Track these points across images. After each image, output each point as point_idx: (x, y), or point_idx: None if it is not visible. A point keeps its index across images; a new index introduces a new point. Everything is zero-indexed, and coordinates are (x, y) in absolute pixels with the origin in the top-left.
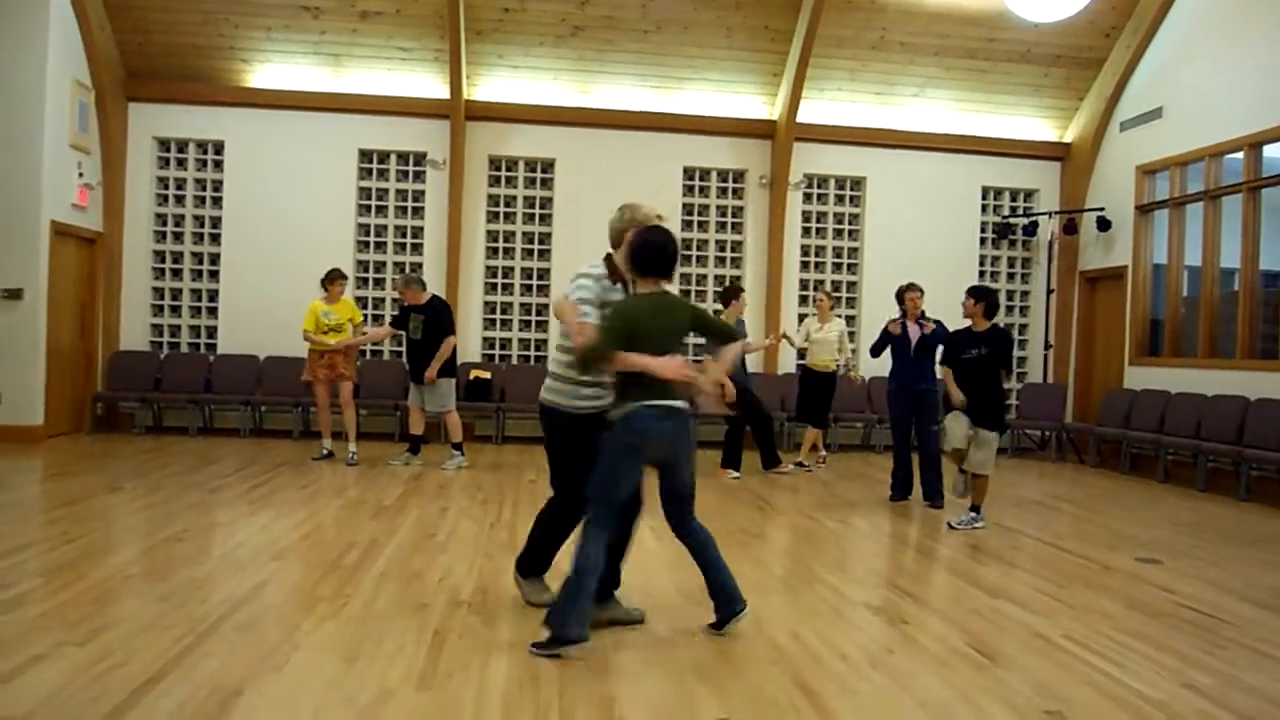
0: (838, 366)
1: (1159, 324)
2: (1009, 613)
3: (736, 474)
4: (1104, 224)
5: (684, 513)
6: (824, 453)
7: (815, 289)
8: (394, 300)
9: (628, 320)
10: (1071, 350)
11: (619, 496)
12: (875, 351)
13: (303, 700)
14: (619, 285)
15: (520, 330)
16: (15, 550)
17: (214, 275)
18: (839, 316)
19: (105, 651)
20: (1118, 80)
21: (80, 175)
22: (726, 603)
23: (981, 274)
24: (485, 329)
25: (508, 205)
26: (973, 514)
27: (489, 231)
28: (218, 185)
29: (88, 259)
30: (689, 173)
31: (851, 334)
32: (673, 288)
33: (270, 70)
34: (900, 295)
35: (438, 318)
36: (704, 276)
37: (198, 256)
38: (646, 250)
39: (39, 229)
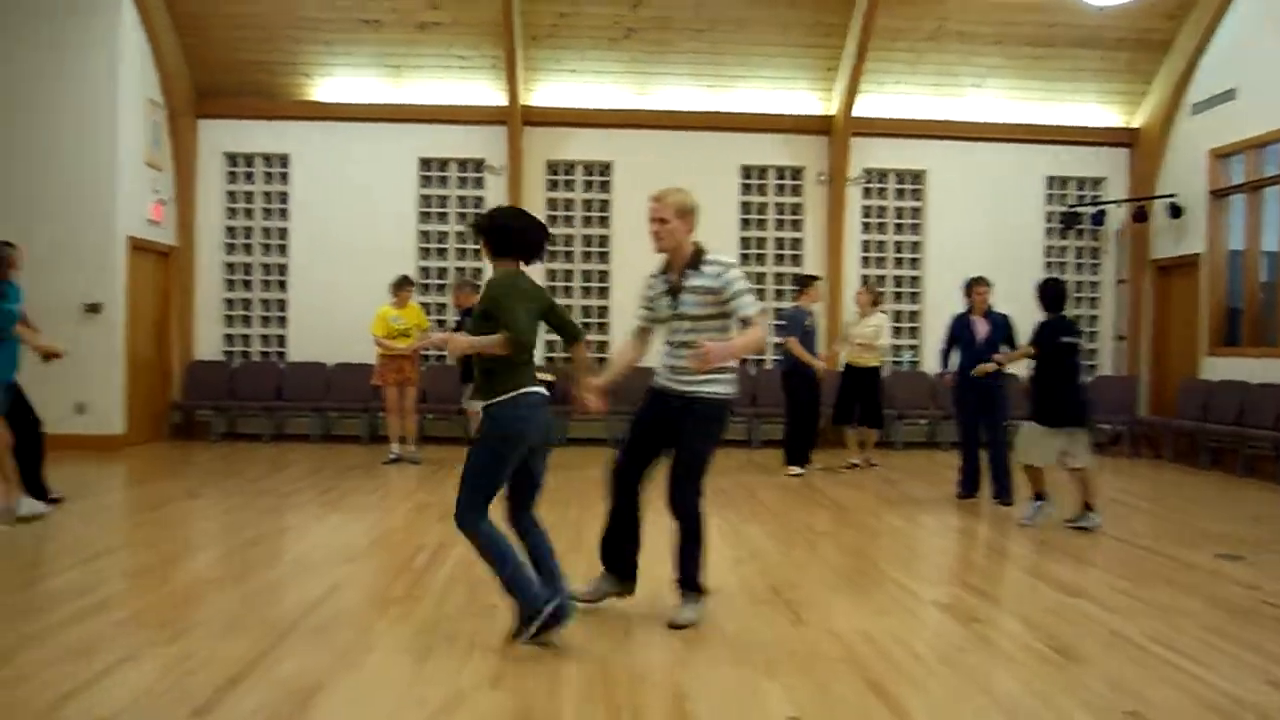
0: (881, 363)
1: (1236, 312)
2: (1085, 611)
3: (799, 470)
4: (1176, 211)
5: (534, 502)
6: (865, 458)
7: (877, 285)
8: (455, 306)
9: (531, 299)
10: (1144, 342)
11: (498, 488)
12: (944, 356)
13: (379, 700)
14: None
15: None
16: (101, 554)
17: (282, 285)
18: (883, 311)
19: (189, 652)
20: (1187, 62)
21: (155, 192)
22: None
23: (1048, 265)
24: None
25: (566, 209)
26: (1038, 502)
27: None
28: (284, 197)
29: (163, 272)
30: (746, 171)
31: (914, 329)
32: (714, 282)
33: (332, 83)
34: (968, 289)
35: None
36: (763, 275)
37: (266, 267)
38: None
39: (116, 245)
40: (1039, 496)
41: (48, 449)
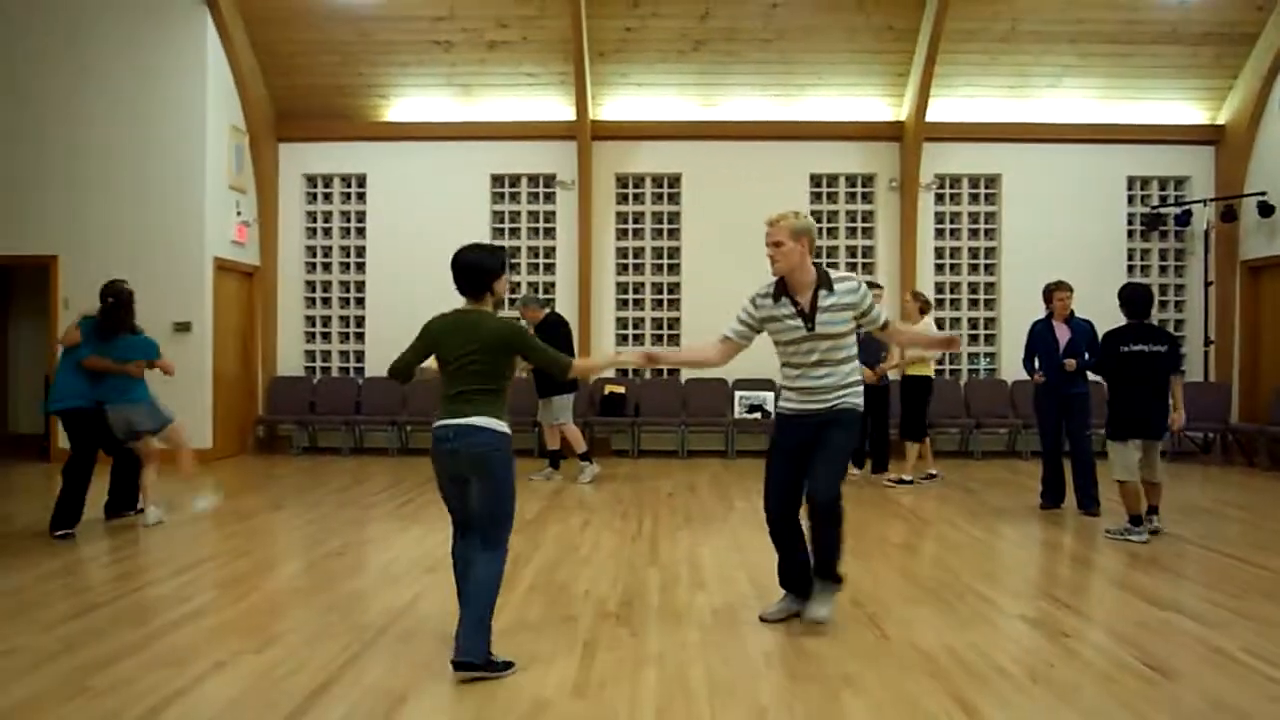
0: (929, 374)
1: None
2: (1179, 625)
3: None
4: (1266, 209)
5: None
6: (917, 474)
7: (952, 291)
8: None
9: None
10: (1235, 346)
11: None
12: (1027, 365)
13: (463, 708)
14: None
15: (652, 344)
16: (193, 566)
17: (360, 302)
18: (932, 319)
19: (279, 660)
20: (1275, 55)
21: (239, 214)
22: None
23: (1130, 269)
24: (618, 343)
25: (636, 221)
26: (1135, 526)
27: (619, 248)
28: (361, 216)
29: (246, 291)
30: (816, 180)
31: (990, 336)
32: (852, 298)
33: (406, 103)
34: (1048, 294)
35: (551, 331)
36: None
37: (345, 285)
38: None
39: (203, 265)
40: (1134, 519)
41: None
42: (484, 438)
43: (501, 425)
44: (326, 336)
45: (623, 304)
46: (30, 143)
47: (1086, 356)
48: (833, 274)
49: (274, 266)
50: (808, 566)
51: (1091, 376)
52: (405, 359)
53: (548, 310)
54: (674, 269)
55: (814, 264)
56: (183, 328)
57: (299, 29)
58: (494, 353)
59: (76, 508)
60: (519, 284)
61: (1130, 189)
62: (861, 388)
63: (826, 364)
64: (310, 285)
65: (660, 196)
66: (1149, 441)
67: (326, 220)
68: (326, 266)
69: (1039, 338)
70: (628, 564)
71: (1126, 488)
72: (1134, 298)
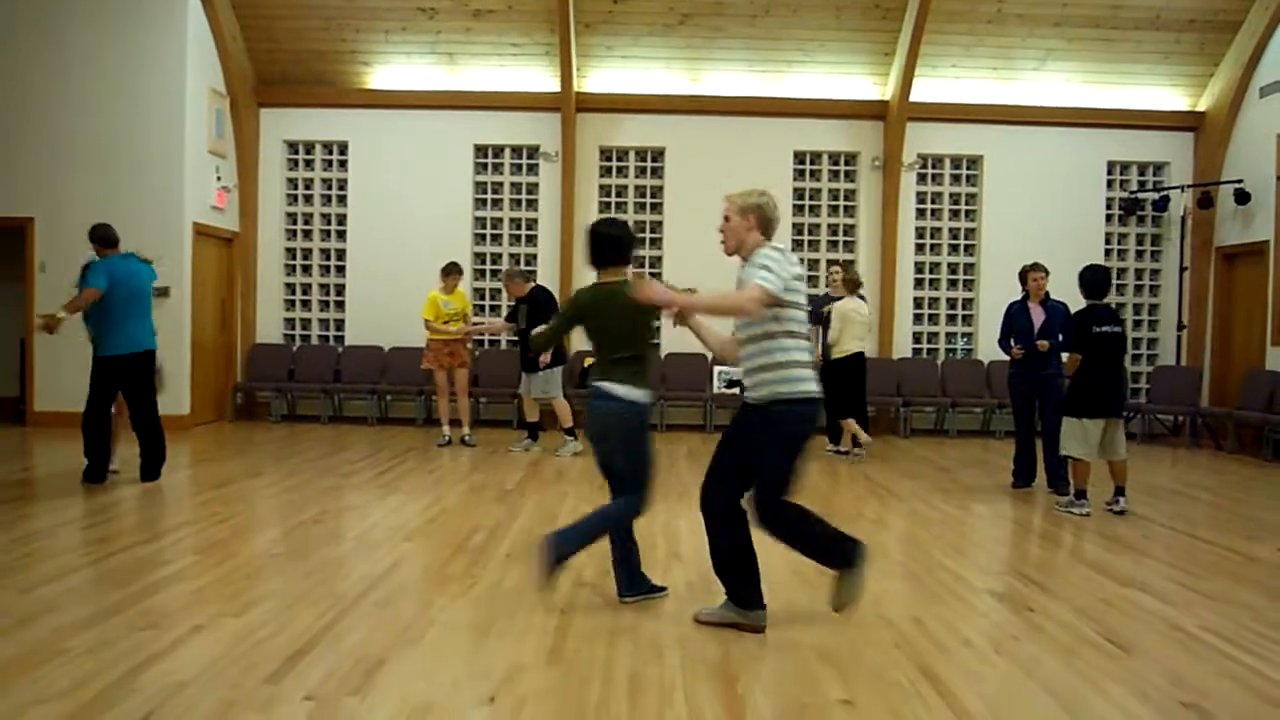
0: (848, 352)
1: None
2: (1142, 603)
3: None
4: (1243, 196)
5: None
6: (856, 448)
7: (931, 271)
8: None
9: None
10: (1207, 330)
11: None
12: (1004, 345)
13: (441, 672)
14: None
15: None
16: (172, 530)
17: (340, 270)
18: (860, 297)
19: (259, 623)
20: (1256, 43)
21: (218, 179)
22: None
23: (1108, 252)
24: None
25: (619, 195)
26: (1079, 499)
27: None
28: (343, 184)
29: (226, 258)
30: (799, 157)
31: (969, 316)
32: (761, 274)
33: (389, 71)
34: (1023, 276)
35: (539, 307)
36: (816, 261)
37: (325, 253)
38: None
39: (182, 231)
40: (1079, 494)
41: (119, 428)
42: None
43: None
44: (306, 304)
45: None
46: (7, 104)
47: (1060, 338)
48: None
49: (254, 233)
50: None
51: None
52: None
53: (532, 284)
54: (655, 243)
55: (759, 242)
56: (161, 293)
57: None
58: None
59: (106, 458)
60: (500, 255)
61: (1110, 173)
62: (805, 372)
63: (744, 341)
64: (290, 252)
65: (644, 170)
66: (1113, 420)
67: (308, 187)
68: (307, 234)
69: (1015, 318)
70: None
71: (1079, 464)
72: (1095, 280)
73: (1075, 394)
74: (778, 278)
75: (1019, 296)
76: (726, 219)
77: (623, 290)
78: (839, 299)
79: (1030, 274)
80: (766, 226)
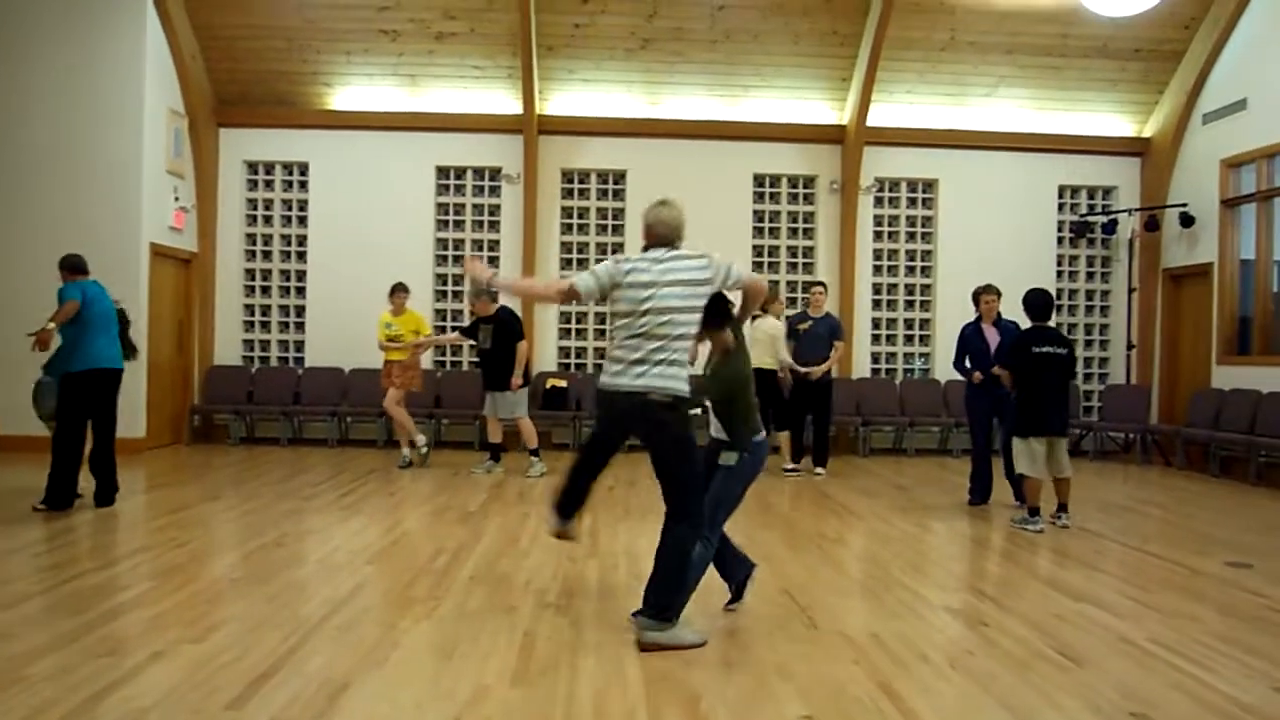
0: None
1: (1248, 321)
2: (1093, 616)
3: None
4: (1187, 220)
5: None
6: (793, 464)
7: (889, 293)
8: (471, 314)
9: None
10: (1155, 350)
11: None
12: (959, 366)
13: (405, 695)
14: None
15: (596, 339)
16: (129, 555)
17: (300, 291)
18: (782, 317)
19: (220, 648)
20: (1199, 72)
21: (176, 199)
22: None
23: (1059, 274)
24: (560, 339)
25: (581, 217)
26: (1033, 517)
27: (563, 243)
28: (303, 205)
29: (184, 279)
30: (759, 180)
31: (925, 337)
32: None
33: (351, 92)
34: (976, 298)
35: (506, 327)
36: (775, 282)
37: (285, 274)
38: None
39: (139, 251)
40: (1033, 511)
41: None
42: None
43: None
44: (266, 325)
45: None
46: None
47: (966, 363)
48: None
49: (212, 254)
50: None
51: None
52: None
53: (498, 305)
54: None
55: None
56: None
57: (242, 13)
58: None
59: (74, 482)
60: (462, 276)
61: (1061, 197)
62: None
63: None
64: (250, 274)
65: (605, 193)
66: (1055, 438)
67: (268, 208)
68: (267, 255)
69: (969, 340)
70: (568, 556)
71: (1030, 482)
72: (1037, 302)
73: (1020, 414)
74: (594, 278)
75: (972, 319)
76: None
77: None
78: (819, 318)
79: (982, 296)
80: (649, 234)
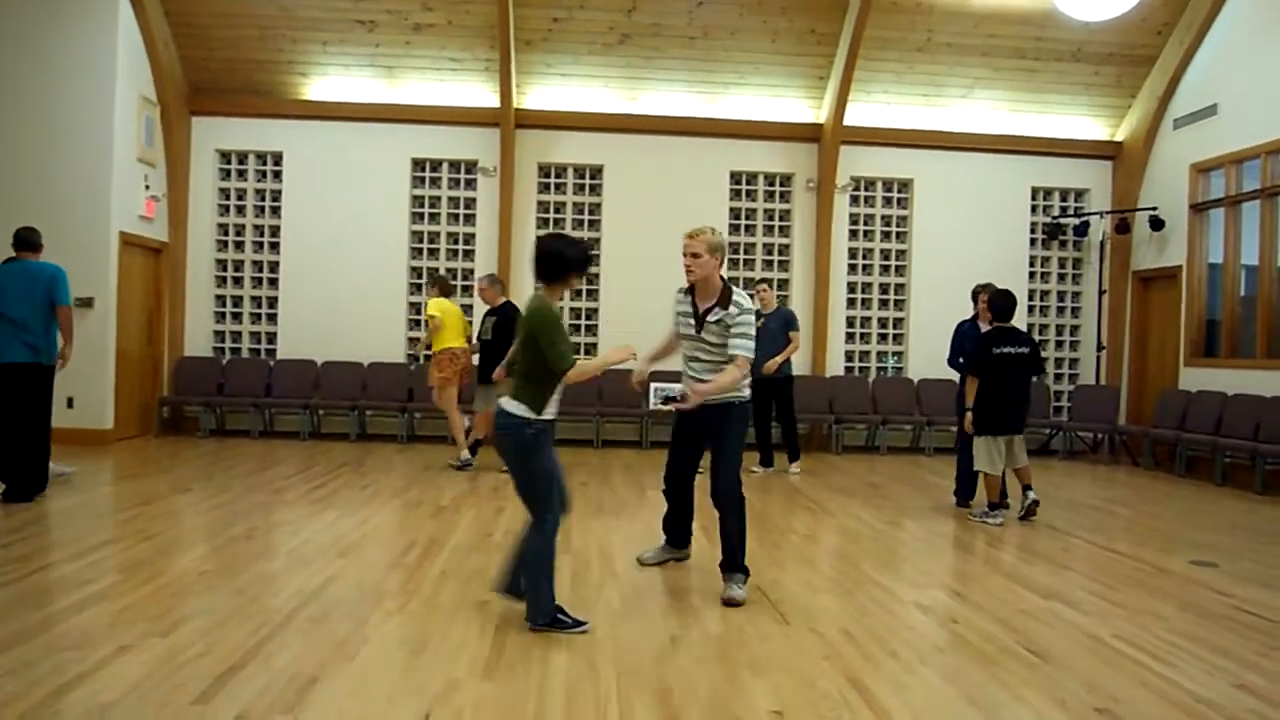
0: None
1: (1215, 324)
2: (1060, 613)
3: (755, 469)
4: (1157, 223)
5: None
6: (761, 467)
7: (863, 291)
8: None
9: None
10: (1124, 351)
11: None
12: (952, 361)
13: (376, 688)
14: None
15: (596, 338)
16: (95, 548)
17: (273, 283)
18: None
19: (187, 642)
20: (1170, 77)
21: (147, 188)
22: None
23: (1031, 275)
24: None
25: (557, 211)
26: (995, 511)
27: (539, 238)
28: (276, 195)
29: (154, 268)
30: (736, 177)
31: (899, 335)
32: (729, 320)
33: (326, 82)
34: (975, 295)
35: (508, 322)
36: (751, 280)
37: (258, 265)
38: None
39: (108, 240)
40: (993, 505)
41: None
42: (501, 420)
43: (523, 409)
44: (237, 316)
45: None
46: None
47: (960, 360)
48: (735, 295)
49: (183, 243)
50: (688, 522)
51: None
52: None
53: (504, 299)
54: (593, 259)
55: (723, 279)
56: (85, 303)
57: None
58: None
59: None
60: (437, 269)
61: (1034, 199)
62: (746, 389)
63: (706, 364)
64: (221, 264)
65: (582, 187)
66: (1014, 436)
67: (240, 198)
68: (239, 245)
69: (965, 336)
70: None
71: (990, 479)
72: (1000, 303)
73: (980, 413)
74: (752, 342)
75: (969, 316)
76: (697, 255)
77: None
78: (770, 314)
79: (980, 294)
80: (723, 264)
